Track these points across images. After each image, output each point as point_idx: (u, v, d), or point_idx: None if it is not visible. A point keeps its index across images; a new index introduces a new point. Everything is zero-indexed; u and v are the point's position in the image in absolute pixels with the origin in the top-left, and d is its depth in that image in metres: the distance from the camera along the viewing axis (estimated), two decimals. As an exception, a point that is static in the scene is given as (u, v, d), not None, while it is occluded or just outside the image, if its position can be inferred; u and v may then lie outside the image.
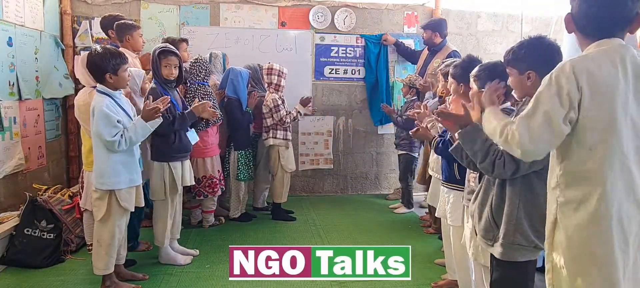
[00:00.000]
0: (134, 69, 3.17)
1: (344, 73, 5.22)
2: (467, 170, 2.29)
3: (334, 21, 5.08)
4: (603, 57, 1.43)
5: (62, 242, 3.32)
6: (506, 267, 1.93)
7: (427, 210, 4.32)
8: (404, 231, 4.11)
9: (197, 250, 3.46)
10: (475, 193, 2.09)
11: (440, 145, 2.53)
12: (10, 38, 3.50)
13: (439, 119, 2.03)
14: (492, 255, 1.98)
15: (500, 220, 1.91)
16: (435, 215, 3.09)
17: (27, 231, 3.21)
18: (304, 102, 4.30)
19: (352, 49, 5.19)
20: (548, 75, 1.45)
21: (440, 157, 2.83)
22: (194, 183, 3.43)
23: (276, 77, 4.09)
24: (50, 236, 3.27)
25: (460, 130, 1.91)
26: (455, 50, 4.57)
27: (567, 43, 3.43)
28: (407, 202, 4.66)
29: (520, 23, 5.13)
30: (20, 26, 3.65)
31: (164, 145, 3.12)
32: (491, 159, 1.83)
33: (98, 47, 2.66)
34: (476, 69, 2.22)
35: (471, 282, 2.55)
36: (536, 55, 1.82)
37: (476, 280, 2.41)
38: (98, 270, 2.74)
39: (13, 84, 3.54)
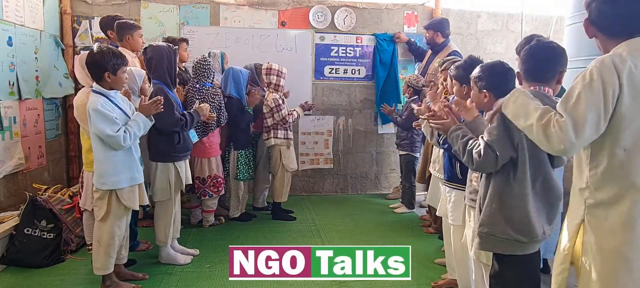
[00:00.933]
0: (136, 68, 3.17)
1: (344, 73, 5.22)
2: (469, 169, 2.29)
3: (334, 21, 5.08)
4: (638, 55, 1.39)
5: (62, 242, 3.32)
6: (501, 261, 1.95)
7: (427, 210, 4.32)
8: (404, 231, 4.11)
9: (197, 250, 3.46)
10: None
11: (439, 139, 2.56)
12: (10, 38, 3.50)
13: (439, 112, 2.10)
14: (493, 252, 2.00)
15: None
16: (437, 213, 3.10)
17: (27, 231, 3.21)
18: (305, 108, 4.36)
19: (352, 49, 5.18)
20: (587, 69, 1.40)
21: (442, 157, 2.84)
22: (190, 182, 3.44)
23: (275, 77, 4.08)
24: (50, 236, 3.27)
25: (451, 128, 2.00)
26: (456, 50, 4.57)
27: (567, 43, 3.41)
28: (409, 202, 4.65)
29: (520, 23, 5.12)
30: (20, 26, 3.65)
31: (169, 145, 3.13)
32: (469, 151, 1.88)
33: (101, 45, 2.65)
34: (476, 70, 2.21)
35: (471, 281, 2.55)
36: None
37: (476, 279, 2.41)
38: (98, 270, 2.74)
39: (13, 83, 3.54)
